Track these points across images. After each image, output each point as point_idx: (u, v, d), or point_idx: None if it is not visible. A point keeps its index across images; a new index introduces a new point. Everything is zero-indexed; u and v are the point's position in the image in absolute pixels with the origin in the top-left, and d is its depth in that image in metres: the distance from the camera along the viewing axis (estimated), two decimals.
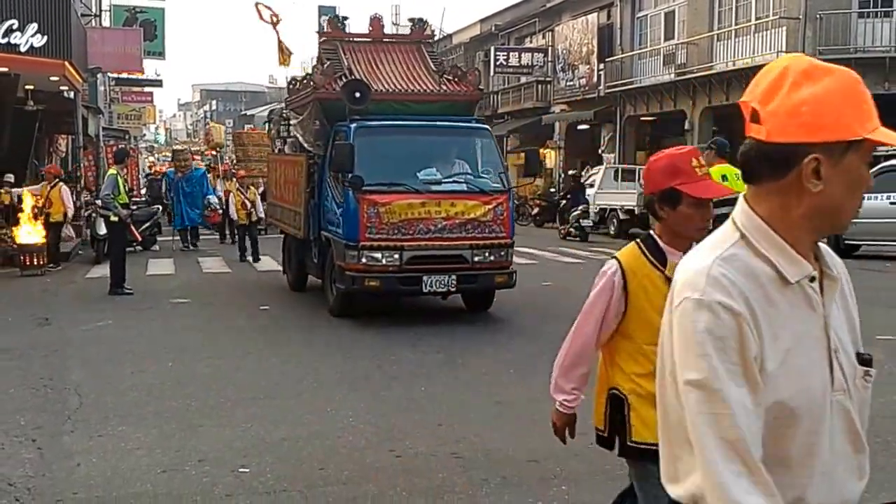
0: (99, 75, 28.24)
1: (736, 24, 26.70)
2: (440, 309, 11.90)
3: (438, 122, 11.42)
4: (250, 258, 18.19)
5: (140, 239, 16.66)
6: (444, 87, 11.93)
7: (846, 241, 18.86)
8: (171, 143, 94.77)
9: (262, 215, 18.70)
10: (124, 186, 14.11)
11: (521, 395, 7.39)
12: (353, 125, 10.79)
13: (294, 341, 9.94)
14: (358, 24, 14.26)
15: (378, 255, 10.31)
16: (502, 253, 10.81)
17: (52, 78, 18.11)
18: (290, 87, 14.03)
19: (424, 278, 10.39)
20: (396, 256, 10.34)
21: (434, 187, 10.69)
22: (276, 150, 15.59)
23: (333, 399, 7.39)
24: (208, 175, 26.04)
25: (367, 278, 10.33)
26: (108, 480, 5.49)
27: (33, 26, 17.29)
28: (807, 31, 23.57)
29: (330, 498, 5.20)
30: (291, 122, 13.17)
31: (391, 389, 7.73)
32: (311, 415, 6.92)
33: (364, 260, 10.31)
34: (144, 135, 62.81)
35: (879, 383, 6.86)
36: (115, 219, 13.50)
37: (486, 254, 10.65)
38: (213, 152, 29.32)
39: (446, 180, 10.96)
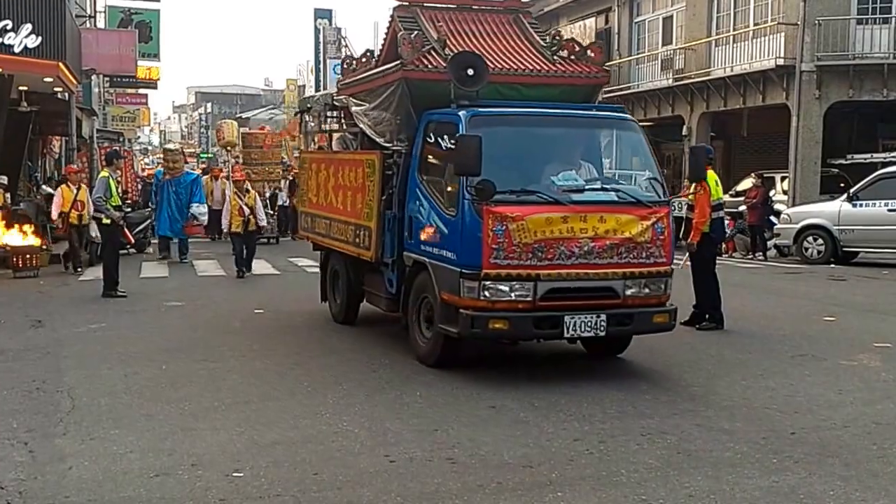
0: (93, 77, 28.18)
1: (734, 30, 26.74)
2: None
3: (577, 112, 8.97)
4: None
5: (133, 241, 16.66)
6: (560, 67, 9.51)
7: (844, 248, 18.89)
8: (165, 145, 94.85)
9: (263, 223, 17.17)
10: (117, 189, 14.07)
11: (517, 399, 7.37)
12: (463, 113, 8.28)
13: (289, 344, 9.90)
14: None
15: (505, 288, 7.78)
16: (661, 284, 8.27)
17: (47, 79, 18.08)
18: (346, 67, 11.46)
19: (566, 319, 7.88)
20: (529, 289, 7.83)
21: (576, 196, 8.10)
22: (315, 146, 13.28)
23: (328, 403, 7.36)
24: (203, 178, 25.82)
25: (490, 318, 7.78)
26: (100, 484, 5.45)
27: (27, 27, 17.24)
28: (805, 37, 23.60)
29: (324, 502, 5.17)
30: (353, 109, 10.31)
31: (386, 393, 7.71)
32: (305, 419, 6.89)
33: (487, 294, 7.77)
34: (139, 137, 62.79)
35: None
36: (108, 221, 13.48)
37: (642, 285, 8.16)
38: (227, 151, 27.69)
39: (590, 187, 8.41)
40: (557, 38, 9.97)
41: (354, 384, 8.04)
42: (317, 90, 56.07)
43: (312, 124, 13.08)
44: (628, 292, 8.08)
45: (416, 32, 9.41)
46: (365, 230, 9.74)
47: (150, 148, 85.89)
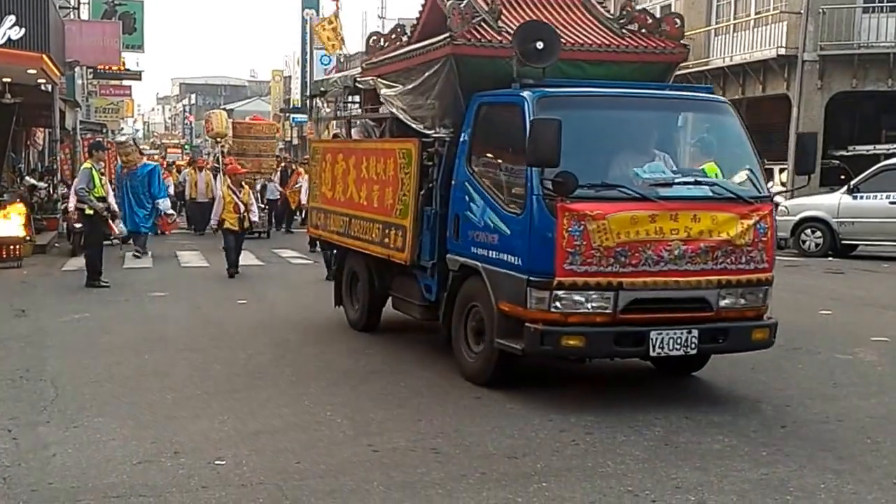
0: (77, 68, 28.02)
1: (734, 19, 26.40)
2: None
3: (664, 93, 7.89)
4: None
5: (117, 232, 16.53)
6: (631, 42, 8.40)
7: (843, 241, 18.71)
8: (150, 137, 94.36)
9: (256, 219, 16.12)
10: (100, 180, 13.98)
11: (501, 390, 7.36)
12: (528, 94, 7.09)
13: (272, 334, 9.87)
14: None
15: (581, 298, 6.70)
16: (760, 294, 7.17)
17: (30, 71, 17.96)
18: (372, 45, 10.25)
19: (652, 334, 6.78)
20: (610, 299, 6.75)
21: (664, 191, 6.97)
22: (329, 135, 12.02)
23: (310, 392, 7.36)
24: (186, 170, 25.65)
25: (563, 334, 6.70)
26: (83, 471, 5.46)
27: (11, 18, 17.17)
28: (809, 26, 23.22)
29: (306, 491, 5.18)
30: (382, 92, 9.08)
31: (369, 383, 7.71)
32: (288, 408, 6.89)
33: (559, 305, 6.69)
34: (122, 128, 62.41)
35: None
36: (91, 212, 13.41)
37: (739, 295, 7.05)
38: (216, 142, 24.86)
39: (681, 180, 7.24)
40: (627, 9, 8.75)
41: (338, 373, 8.05)
42: (303, 81, 55.73)
43: (327, 110, 11.79)
44: (723, 303, 6.98)
45: (465, 1, 8.14)
46: (397, 229, 8.57)
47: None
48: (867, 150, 22.69)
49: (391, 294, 9.55)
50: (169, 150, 53.47)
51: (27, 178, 21.68)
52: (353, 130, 10.75)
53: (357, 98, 10.83)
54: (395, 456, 5.79)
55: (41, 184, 21.76)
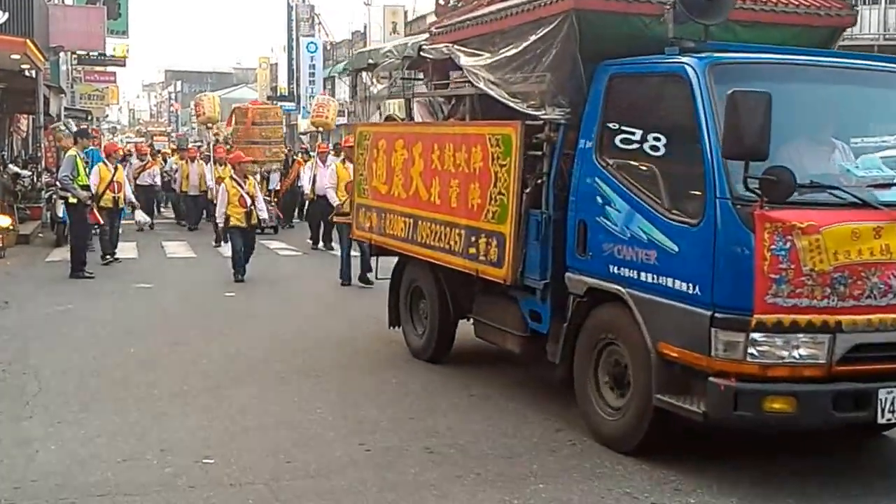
0: (61, 54, 27.77)
1: None
2: None
3: (873, 65, 6.12)
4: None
5: (102, 222, 16.29)
6: (792, 1, 6.79)
7: None
8: (135, 125, 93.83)
9: (265, 215, 14.44)
10: (84, 168, 13.78)
11: (497, 388, 7.27)
12: (694, 61, 5.47)
13: (260, 329, 9.75)
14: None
15: (787, 343, 5.01)
16: None
17: (13, 56, 17.75)
18: (443, 4, 9.03)
19: (881, 394, 5.08)
20: (823, 345, 5.04)
21: (885, 195, 5.34)
22: (380, 116, 9.91)
23: (301, 389, 7.26)
24: (172, 159, 24.99)
25: (766, 394, 4.99)
26: (67, 468, 5.38)
27: None
28: None
29: (297, 491, 5.10)
30: (463, 63, 7.28)
31: (361, 380, 7.60)
32: (278, 405, 6.79)
33: (758, 352, 5.01)
34: (107, 115, 62.05)
35: None
36: (75, 200, 13.22)
37: None
38: (207, 129, 22.75)
39: None
40: None
41: (329, 370, 7.93)
42: (289, 69, 55.47)
43: (378, 87, 9.47)
44: None
45: None
46: (490, 237, 6.82)
47: (118, 127, 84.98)
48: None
49: (473, 318, 7.76)
50: (155, 137, 53.09)
51: (10, 165, 21.39)
52: (416, 111, 8.95)
53: (411, 72, 8.94)
54: (388, 455, 5.71)
55: (25, 171, 21.47)
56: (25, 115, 26.05)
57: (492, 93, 6.94)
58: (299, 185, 19.75)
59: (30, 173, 21.52)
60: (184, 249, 17.63)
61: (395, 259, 8.88)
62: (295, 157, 23.25)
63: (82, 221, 13.60)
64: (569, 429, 6.29)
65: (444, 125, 8.24)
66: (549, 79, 6.40)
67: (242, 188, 13.25)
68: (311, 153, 23.07)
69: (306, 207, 18.68)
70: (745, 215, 5.02)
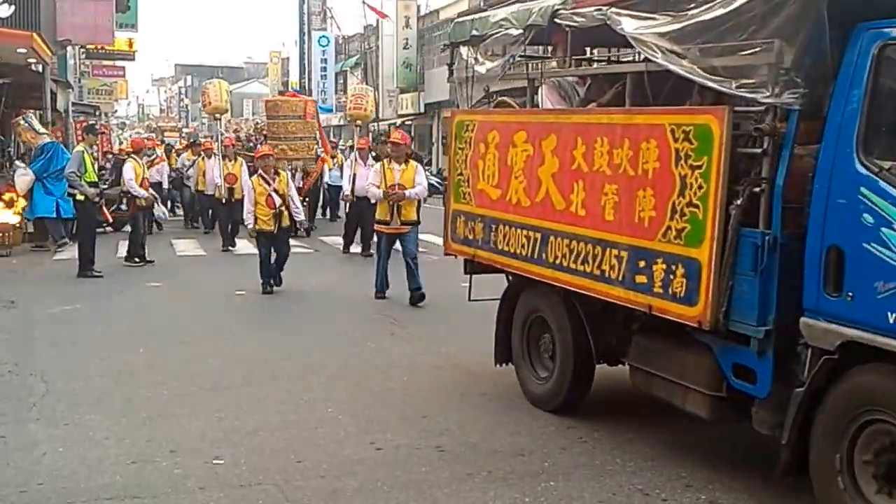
0: (69, 48, 27.75)
1: None
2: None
3: None
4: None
5: (111, 220, 16.26)
6: None
7: None
8: (145, 120, 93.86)
9: (301, 217, 12.82)
10: (92, 164, 13.72)
11: (508, 386, 7.20)
12: None
13: (270, 328, 9.72)
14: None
15: None
16: None
17: (20, 50, 17.68)
18: None
19: None
20: None
21: None
22: (488, 102, 7.78)
23: (311, 388, 7.20)
24: (184, 154, 24.41)
25: None
26: (74, 471, 5.35)
27: None
28: None
29: (308, 492, 5.07)
30: (629, 30, 5.60)
31: (371, 379, 7.54)
32: (287, 404, 6.75)
33: None
34: (116, 111, 62.08)
35: None
36: (82, 198, 13.16)
37: None
38: (215, 120, 20.70)
39: None
40: None
41: (339, 369, 7.87)
42: (301, 63, 55.33)
43: (486, 65, 7.38)
44: None
45: None
46: (675, 263, 5.15)
47: (127, 122, 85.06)
48: None
49: (631, 364, 6.04)
50: (166, 133, 53.06)
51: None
52: (544, 93, 7.03)
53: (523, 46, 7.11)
54: (398, 454, 5.68)
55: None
56: (32, 111, 26.06)
57: (677, 69, 5.25)
58: (330, 183, 19.23)
59: None
60: (193, 247, 17.58)
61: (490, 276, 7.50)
62: (319, 153, 21.09)
63: (90, 219, 13.53)
64: (579, 426, 6.26)
65: (593, 113, 6.26)
66: (779, 48, 4.73)
67: (270, 186, 11.69)
68: (338, 149, 22.33)
69: (346, 209, 16.98)
70: None
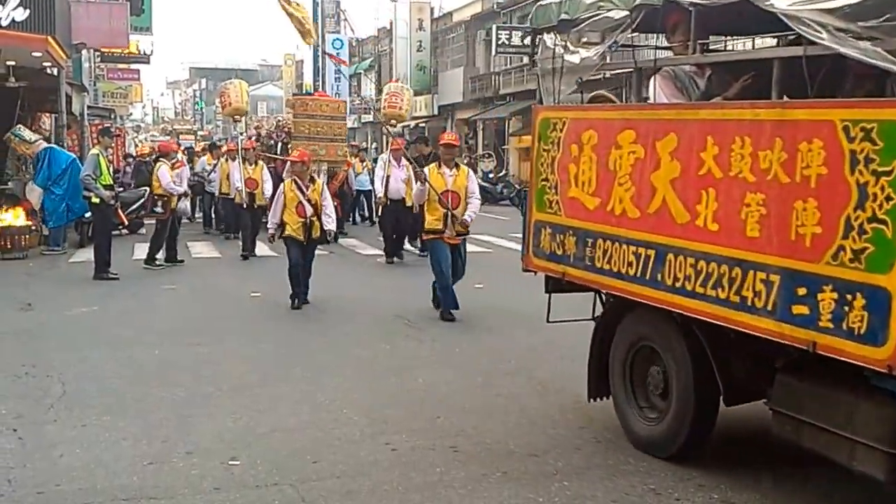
0: (84, 51, 27.87)
1: None
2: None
3: None
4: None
5: (126, 222, 16.31)
6: None
7: None
8: (160, 123, 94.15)
9: (332, 227, 11.44)
10: (108, 167, 13.77)
11: (522, 387, 7.21)
12: None
13: (285, 329, 9.73)
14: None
15: None
16: None
17: (35, 54, 17.77)
18: None
19: None
20: None
21: None
22: (581, 97, 6.67)
23: (326, 389, 7.20)
24: (205, 157, 24.03)
25: None
26: (91, 472, 5.35)
27: None
28: None
29: (323, 492, 5.07)
30: (775, 6, 4.53)
31: (386, 380, 7.54)
32: (302, 405, 6.75)
33: None
34: (131, 114, 62.35)
35: None
36: (97, 200, 13.22)
37: None
38: (234, 121, 19.99)
39: None
40: None
41: (354, 370, 7.88)
42: (314, 66, 55.37)
43: (580, 54, 6.26)
44: None
45: None
46: (851, 293, 4.17)
47: (142, 125, 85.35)
48: None
49: (775, 409, 4.96)
50: (182, 136, 53.21)
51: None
52: (658, 85, 5.91)
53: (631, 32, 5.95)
54: (413, 455, 5.67)
55: None
56: (47, 114, 26.17)
57: (852, 52, 4.27)
58: (360, 187, 19.17)
59: None
60: (208, 249, 17.63)
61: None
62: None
63: (106, 222, 13.59)
64: (592, 426, 6.25)
65: (730, 107, 5.17)
66: None
67: (304, 194, 10.86)
68: (362, 151, 22.20)
69: (379, 214, 16.55)
70: None
